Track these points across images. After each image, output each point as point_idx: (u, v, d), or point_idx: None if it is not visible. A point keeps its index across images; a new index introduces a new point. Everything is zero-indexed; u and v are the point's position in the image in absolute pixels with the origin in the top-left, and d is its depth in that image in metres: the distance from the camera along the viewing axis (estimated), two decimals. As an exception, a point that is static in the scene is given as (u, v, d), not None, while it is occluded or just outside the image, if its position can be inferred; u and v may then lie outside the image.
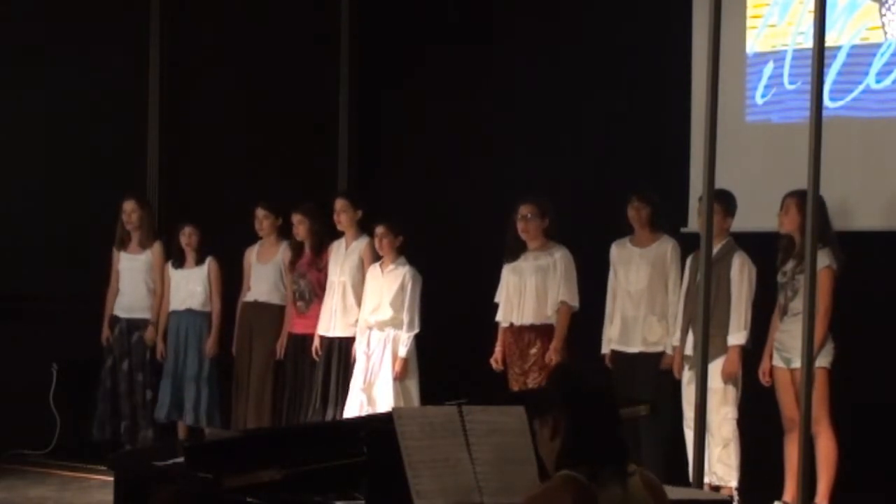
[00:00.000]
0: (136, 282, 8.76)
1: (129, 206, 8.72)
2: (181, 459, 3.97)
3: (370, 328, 7.96)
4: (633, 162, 8.44)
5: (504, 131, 8.95)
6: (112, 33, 9.29)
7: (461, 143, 9.12)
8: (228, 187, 9.28)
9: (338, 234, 8.32)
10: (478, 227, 8.53)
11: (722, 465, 7.04)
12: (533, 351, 7.51)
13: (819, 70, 5.28)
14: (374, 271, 8.05)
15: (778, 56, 7.85)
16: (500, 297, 7.69)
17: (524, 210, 7.58)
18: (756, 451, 7.12)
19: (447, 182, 9.13)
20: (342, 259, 8.20)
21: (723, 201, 7.03)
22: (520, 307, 7.58)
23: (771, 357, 7.02)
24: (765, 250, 7.14)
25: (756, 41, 7.94)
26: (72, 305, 8.82)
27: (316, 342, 8.21)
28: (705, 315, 5.66)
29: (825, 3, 5.28)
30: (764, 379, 7.06)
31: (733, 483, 7.04)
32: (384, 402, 7.70)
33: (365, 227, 8.23)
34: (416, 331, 7.90)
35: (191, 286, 8.65)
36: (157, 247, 8.80)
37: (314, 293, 8.33)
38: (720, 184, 6.25)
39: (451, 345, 8.23)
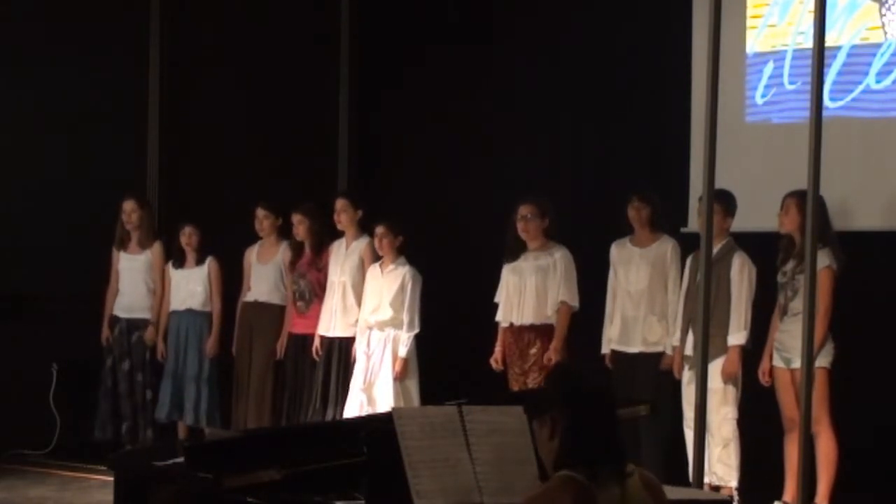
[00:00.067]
0: (135, 282, 8.77)
1: (129, 206, 8.72)
2: (181, 459, 3.97)
3: (370, 328, 7.96)
4: (633, 162, 8.44)
5: (504, 131, 8.95)
6: (112, 33, 9.29)
7: (461, 143, 9.12)
8: (228, 187, 9.27)
9: (338, 234, 8.32)
10: (478, 227, 8.53)
11: (722, 465, 7.04)
12: (533, 351, 7.51)
13: (819, 70, 5.28)
14: (374, 271, 8.05)
15: (778, 56, 7.85)
16: (500, 297, 7.69)
17: (524, 210, 7.58)
18: (756, 451, 7.12)
19: (447, 182, 9.13)
20: (342, 259, 8.20)
21: (723, 201, 7.03)
22: (520, 307, 7.58)
23: (771, 357, 7.02)
24: (765, 250, 7.14)
25: (756, 41, 7.94)
26: (72, 305, 8.81)
27: (316, 342, 8.21)
28: (705, 315, 5.66)
29: (825, 3, 5.28)
30: (764, 379, 7.06)
31: (733, 483, 7.04)
32: (384, 402, 7.70)
33: (365, 227, 8.23)
34: (416, 331, 7.90)
35: (191, 286, 8.65)
36: (156, 247, 8.80)
37: (314, 293, 8.33)
38: (720, 184, 6.25)
39: (451, 345, 8.23)
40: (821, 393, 6.63)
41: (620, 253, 7.57)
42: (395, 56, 9.57)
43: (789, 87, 7.80)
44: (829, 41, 6.60)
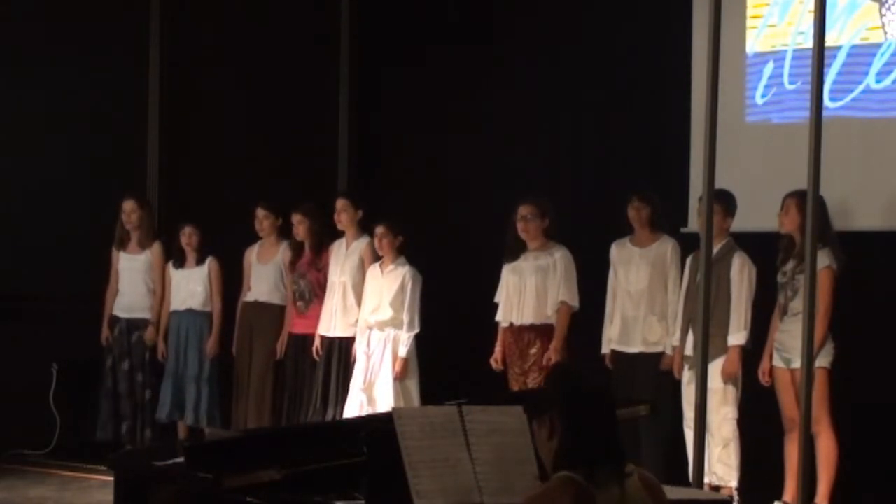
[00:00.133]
0: (135, 282, 8.77)
1: (128, 206, 8.72)
2: (181, 459, 3.97)
3: (370, 328, 7.96)
4: (633, 162, 8.44)
5: (504, 131, 8.94)
6: (112, 33, 9.29)
7: (461, 143, 9.12)
8: (228, 187, 9.27)
9: (338, 234, 8.32)
10: (478, 227, 8.53)
11: (722, 465, 7.04)
12: (533, 351, 7.51)
13: (819, 70, 5.28)
14: (374, 271, 8.05)
15: (778, 56, 7.85)
16: (500, 297, 7.69)
17: (524, 210, 7.58)
18: (756, 451, 7.12)
19: (447, 182, 9.13)
20: (342, 259, 8.20)
21: (723, 201, 7.03)
22: (520, 307, 7.58)
23: (771, 357, 7.02)
24: (765, 250, 7.14)
25: (756, 41, 7.94)
26: (72, 305, 8.82)
27: (316, 342, 8.21)
28: (705, 315, 5.66)
29: (825, 3, 5.28)
30: (764, 379, 7.06)
31: (733, 483, 7.04)
32: (384, 402, 7.70)
33: (365, 227, 8.23)
34: (416, 331, 7.90)
35: (191, 286, 8.65)
36: (156, 247, 8.80)
37: (314, 293, 8.33)
38: (720, 184, 6.25)
39: (451, 345, 8.23)
40: (821, 393, 6.63)
41: (620, 253, 7.57)
42: (395, 56, 9.57)
43: (789, 87, 7.80)
44: (829, 41, 6.60)
